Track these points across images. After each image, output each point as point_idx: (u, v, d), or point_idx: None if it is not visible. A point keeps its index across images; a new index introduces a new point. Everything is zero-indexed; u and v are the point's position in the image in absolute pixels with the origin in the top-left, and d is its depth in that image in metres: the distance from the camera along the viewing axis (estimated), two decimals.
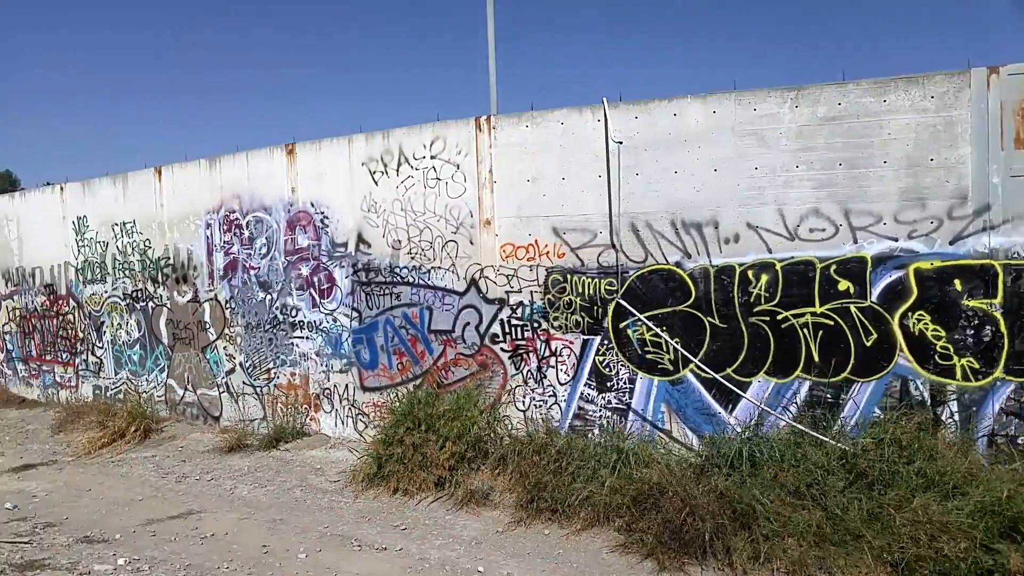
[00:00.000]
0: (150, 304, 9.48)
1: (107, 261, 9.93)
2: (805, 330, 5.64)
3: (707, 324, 5.94)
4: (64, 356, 10.81)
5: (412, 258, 7.24)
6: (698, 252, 5.96)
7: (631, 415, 6.25)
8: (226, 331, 8.71)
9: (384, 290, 7.45)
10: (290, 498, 6.40)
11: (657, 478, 5.09)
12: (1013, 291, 5.11)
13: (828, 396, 5.60)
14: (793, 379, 5.71)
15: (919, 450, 4.88)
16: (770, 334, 5.74)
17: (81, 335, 10.48)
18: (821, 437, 5.23)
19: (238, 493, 6.62)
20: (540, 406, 6.65)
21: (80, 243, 10.26)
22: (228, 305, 8.67)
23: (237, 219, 8.46)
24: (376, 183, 7.39)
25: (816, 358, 5.62)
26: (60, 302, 10.73)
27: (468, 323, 6.97)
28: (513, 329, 6.75)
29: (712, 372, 5.89)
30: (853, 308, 5.51)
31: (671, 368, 6.11)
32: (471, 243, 6.90)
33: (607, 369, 6.36)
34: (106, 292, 10.03)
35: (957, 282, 5.24)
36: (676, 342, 6.02)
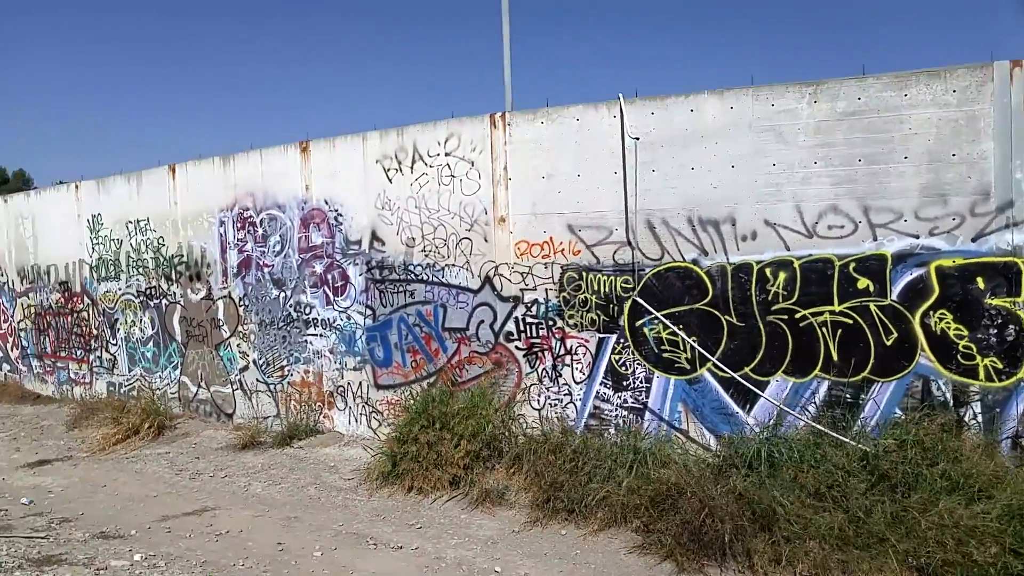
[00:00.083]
0: (164, 301, 9.52)
1: (121, 259, 9.98)
2: (824, 329, 5.57)
3: (724, 323, 5.87)
4: (78, 353, 10.88)
5: (426, 256, 7.22)
6: (715, 249, 5.90)
7: (647, 414, 6.20)
8: (239, 328, 8.72)
9: (398, 288, 7.43)
10: (304, 496, 6.40)
11: (675, 478, 5.03)
12: None
13: (848, 396, 5.52)
14: (812, 379, 5.63)
15: (943, 452, 4.80)
16: (788, 333, 5.67)
17: (95, 332, 10.54)
18: (841, 438, 5.16)
19: (252, 490, 6.62)
20: (555, 405, 6.62)
21: (94, 241, 10.32)
22: (242, 302, 8.68)
23: (251, 217, 8.47)
24: (390, 180, 7.37)
25: (835, 357, 5.54)
26: (75, 299, 10.79)
27: (482, 321, 6.94)
28: (528, 327, 6.71)
29: (730, 371, 5.82)
30: (873, 307, 5.43)
31: (688, 367, 6.05)
32: (485, 240, 6.87)
33: (623, 368, 6.31)
34: (120, 289, 10.07)
35: (979, 280, 5.15)
36: (693, 341, 5.96)
